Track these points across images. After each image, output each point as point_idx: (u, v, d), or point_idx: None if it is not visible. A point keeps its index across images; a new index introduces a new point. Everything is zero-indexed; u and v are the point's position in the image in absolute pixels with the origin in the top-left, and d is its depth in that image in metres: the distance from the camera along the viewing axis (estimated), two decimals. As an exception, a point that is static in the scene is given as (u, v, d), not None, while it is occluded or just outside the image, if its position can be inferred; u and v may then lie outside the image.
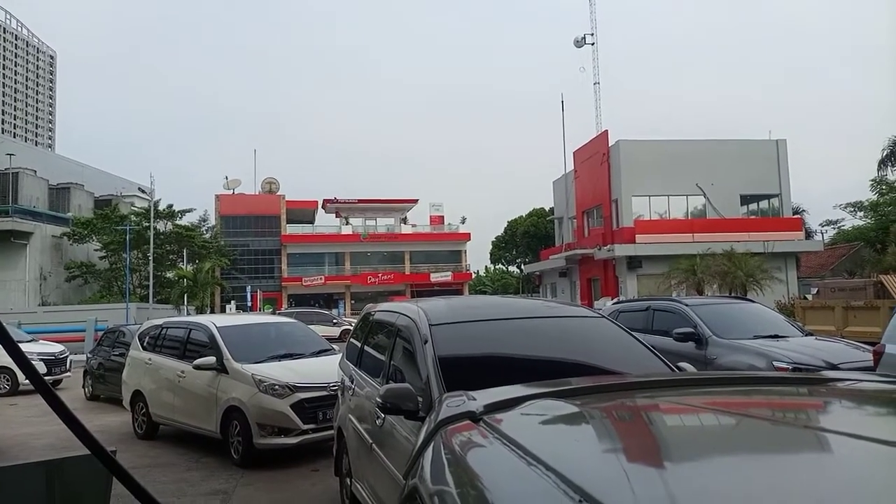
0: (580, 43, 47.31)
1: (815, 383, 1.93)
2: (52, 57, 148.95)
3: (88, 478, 3.23)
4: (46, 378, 12.76)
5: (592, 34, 47.07)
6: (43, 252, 41.01)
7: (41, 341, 17.03)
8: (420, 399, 3.32)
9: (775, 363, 7.03)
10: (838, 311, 14.40)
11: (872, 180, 42.56)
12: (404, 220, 63.27)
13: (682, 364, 4.20)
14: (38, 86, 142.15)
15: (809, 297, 24.56)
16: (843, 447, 1.13)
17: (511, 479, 1.06)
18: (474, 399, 1.56)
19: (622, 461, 1.23)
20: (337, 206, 61.31)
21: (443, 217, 63.04)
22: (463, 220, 63.45)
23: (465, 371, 3.51)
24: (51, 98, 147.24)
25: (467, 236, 62.38)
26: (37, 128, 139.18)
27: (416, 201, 63.28)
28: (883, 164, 30.43)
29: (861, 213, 46.98)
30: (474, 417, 1.43)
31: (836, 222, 51.53)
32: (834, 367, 6.78)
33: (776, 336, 8.17)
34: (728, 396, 1.77)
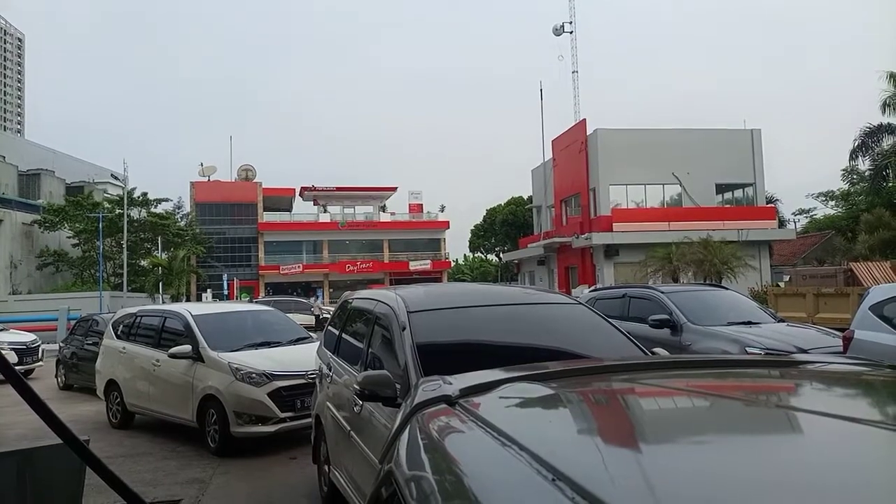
0: (559, 31, 47.27)
1: (787, 366, 1.97)
2: (19, 39, 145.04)
3: (61, 467, 3.20)
4: (18, 368, 12.51)
5: (571, 22, 47.06)
6: (13, 240, 40.09)
7: (12, 330, 16.73)
8: (398, 386, 3.33)
9: (748, 349, 7.15)
10: (809, 298, 14.68)
11: (844, 170, 43.48)
12: (383, 208, 63.02)
13: (657, 350, 4.27)
14: (5, 69, 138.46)
15: (782, 284, 24.98)
16: (817, 425, 1.15)
17: (486, 461, 1.07)
18: (450, 383, 1.57)
19: (597, 441, 1.25)
20: (315, 194, 60.84)
21: (422, 205, 62.89)
22: (442, 209, 63.42)
23: (444, 357, 3.52)
24: (19, 82, 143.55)
25: (446, 224, 62.35)
26: (5, 112, 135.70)
27: (394, 189, 63.05)
28: (854, 154, 30.96)
29: (833, 203, 47.97)
30: (450, 401, 1.43)
31: (808, 211, 52.57)
32: (805, 353, 6.92)
33: (749, 322, 8.31)
34: (702, 379, 1.80)
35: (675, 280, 23.99)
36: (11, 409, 10.15)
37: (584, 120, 36.84)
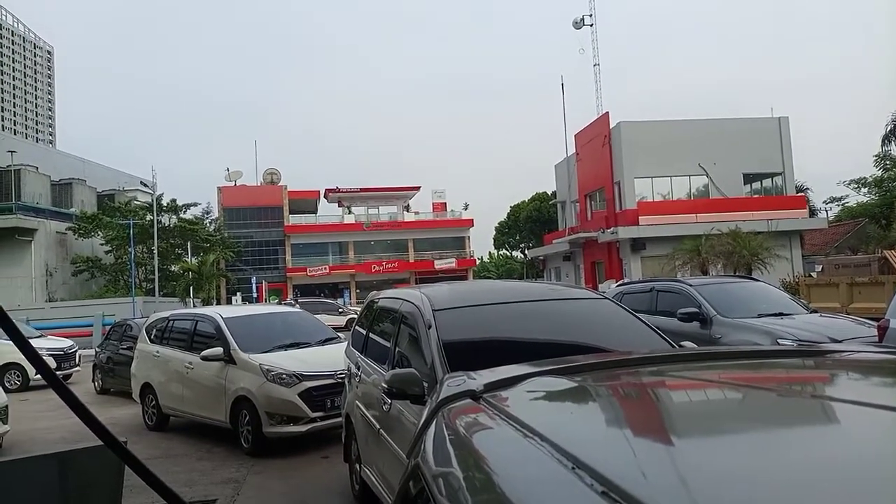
0: (579, 24, 46.88)
1: (821, 355, 1.93)
2: (49, 52, 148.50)
3: (101, 468, 3.28)
4: (57, 373, 12.84)
5: (591, 15, 46.66)
6: (48, 248, 41.14)
7: (49, 337, 17.13)
8: (425, 384, 3.35)
9: (780, 340, 7.04)
10: (843, 288, 14.37)
11: (876, 156, 42.33)
12: (407, 208, 63.18)
13: (686, 343, 4.23)
14: (36, 81, 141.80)
15: (814, 274, 24.50)
16: (857, 416, 1.13)
17: (512, 456, 1.08)
18: (475, 378, 1.58)
19: (627, 435, 1.25)
20: (339, 196, 61.23)
21: (445, 204, 62.90)
22: (466, 207, 63.31)
23: (469, 354, 3.54)
24: (50, 94, 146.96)
25: (470, 222, 62.26)
26: (37, 124, 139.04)
27: (418, 189, 63.16)
28: (887, 139, 30.18)
29: (865, 190, 46.75)
30: (475, 396, 1.44)
31: (840, 199, 51.26)
32: (839, 343, 6.79)
33: (781, 314, 8.19)
34: (734, 370, 1.78)
35: (704, 273, 23.69)
36: (51, 413, 10.42)
37: (608, 113, 36.53)
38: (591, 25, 46.50)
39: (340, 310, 31.36)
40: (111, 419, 10.23)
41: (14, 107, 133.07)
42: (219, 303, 44.33)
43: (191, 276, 41.37)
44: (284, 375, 7.36)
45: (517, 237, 65.03)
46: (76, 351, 16.19)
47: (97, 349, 15.01)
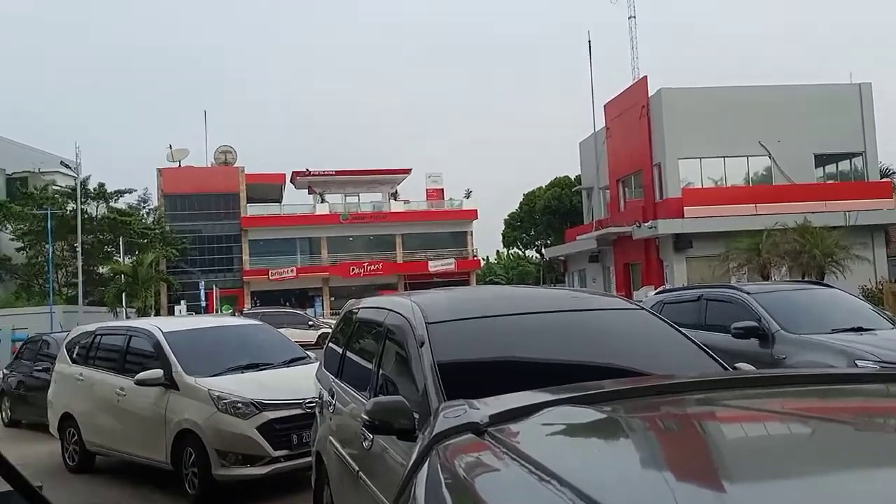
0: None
1: None
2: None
3: (8, 520, 3.27)
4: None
5: (626, -45, 46.64)
6: (-58, 244, 41.03)
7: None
8: (416, 415, 3.35)
9: (859, 362, 7.05)
10: (938, 297, 14.42)
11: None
12: (394, 196, 63.21)
13: (742, 365, 4.23)
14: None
15: (902, 280, 24.58)
16: None
17: None
18: (478, 408, 1.58)
19: (662, 477, 1.24)
20: (310, 180, 61.24)
21: (442, 190, 62.95)
22: (468, 194, 63.39)
23: (472, 379, 3.55)
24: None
25: (473, 214, 62.32)
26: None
27: (408, 172, 63.17)
28: None
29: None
30: (478, 430, 1.44)
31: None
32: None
33: (860, 329, 8.20)
34: (799, 399, 1.78)
35: (765, 277, 23.73)
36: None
37: (646, 78, 36.56)
38: (626, -32, 46.52)
39: (311, 322, 31.35)
40: (23, 458, 10.20)
41: None
42: (158, 313, 44.30)
43: (123, 281, 41.33)
44: (240, 404, 7.34)
45: (532, 232, 65.07)
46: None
47: (5, 371, 14.98)
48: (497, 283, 58.86)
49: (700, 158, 34.13)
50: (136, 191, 52.46)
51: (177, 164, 58.84)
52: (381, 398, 3.69)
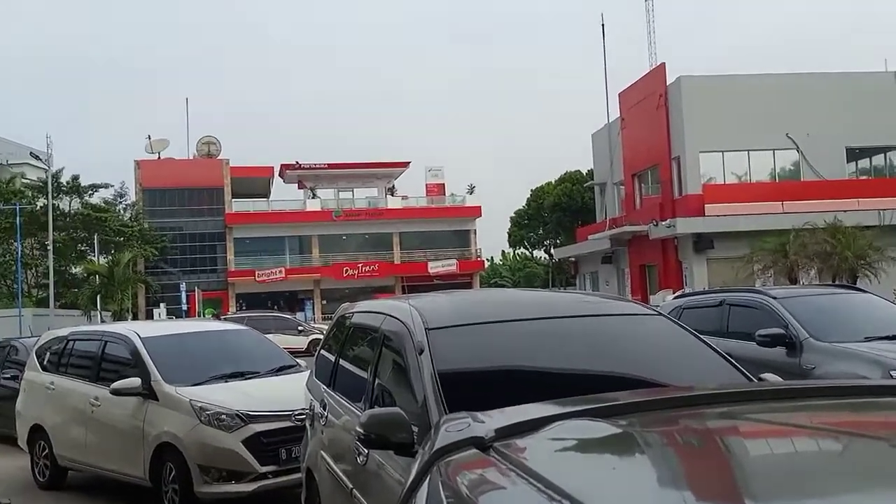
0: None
1: None
2: None
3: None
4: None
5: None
6: None
7: None
8: (415, 428, 3.36)
9: (894, 373, 7.06)
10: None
11: None
12: (391, 191, 63.25)
13: (767, 375, 4.23)
14: None
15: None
16: None
17: None
18: (482, 422, 1.58)
19: (681, 496, 1.25)
20: (300, 174, 61.27)
21: (443, 186, 62.96)
22: (471, 190, 63.38)
23: (475, 390, 3.56)
24: None
25: (477, 211, 62.31)
26: None
27: (406, 165, 63.19)
28: None
29: None
30: (482, 445, 1.45)
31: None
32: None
33: (895, 337, 8.20)
34: (829, 412, 1.79)
35: (793, 280, 23.71)
36: None
37: (664, 65, 36.56)
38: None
39: (301, 328, 31.40)
40: (-11, 474, 10.21)
41: None
42: (136, 317, 44.34)
43: (98, 282, 41.34)
44: (224, 416, 7.34)
45: (540, 231, 65.12)
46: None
47: (-30, 379, 14.99)
48: (502, 286, 58.85)
49: (722, 152, 34.13)
50: (112, 185, 52.65)
51: (156, 156, 58.92)
52: (377, 410, 3.70)
